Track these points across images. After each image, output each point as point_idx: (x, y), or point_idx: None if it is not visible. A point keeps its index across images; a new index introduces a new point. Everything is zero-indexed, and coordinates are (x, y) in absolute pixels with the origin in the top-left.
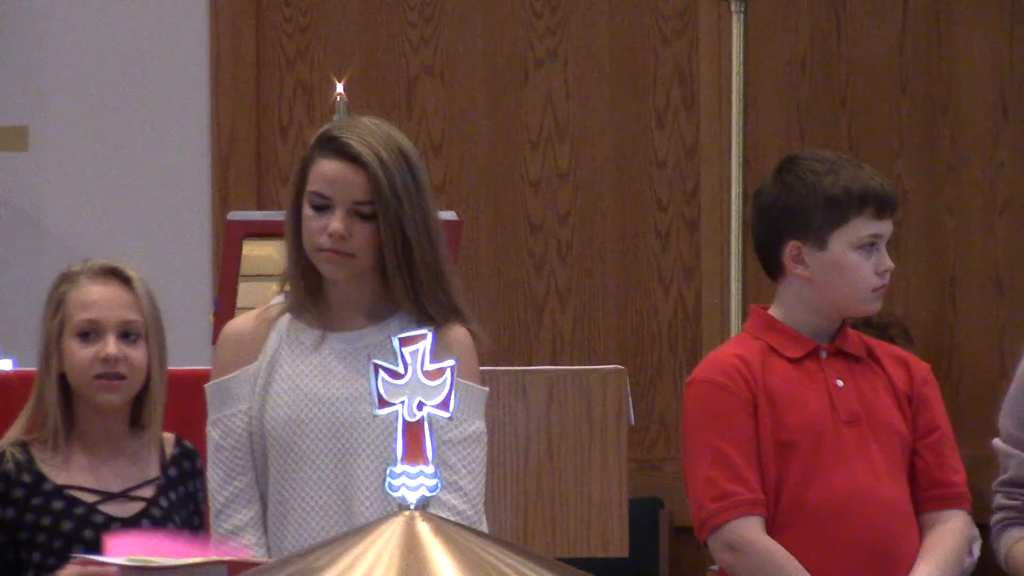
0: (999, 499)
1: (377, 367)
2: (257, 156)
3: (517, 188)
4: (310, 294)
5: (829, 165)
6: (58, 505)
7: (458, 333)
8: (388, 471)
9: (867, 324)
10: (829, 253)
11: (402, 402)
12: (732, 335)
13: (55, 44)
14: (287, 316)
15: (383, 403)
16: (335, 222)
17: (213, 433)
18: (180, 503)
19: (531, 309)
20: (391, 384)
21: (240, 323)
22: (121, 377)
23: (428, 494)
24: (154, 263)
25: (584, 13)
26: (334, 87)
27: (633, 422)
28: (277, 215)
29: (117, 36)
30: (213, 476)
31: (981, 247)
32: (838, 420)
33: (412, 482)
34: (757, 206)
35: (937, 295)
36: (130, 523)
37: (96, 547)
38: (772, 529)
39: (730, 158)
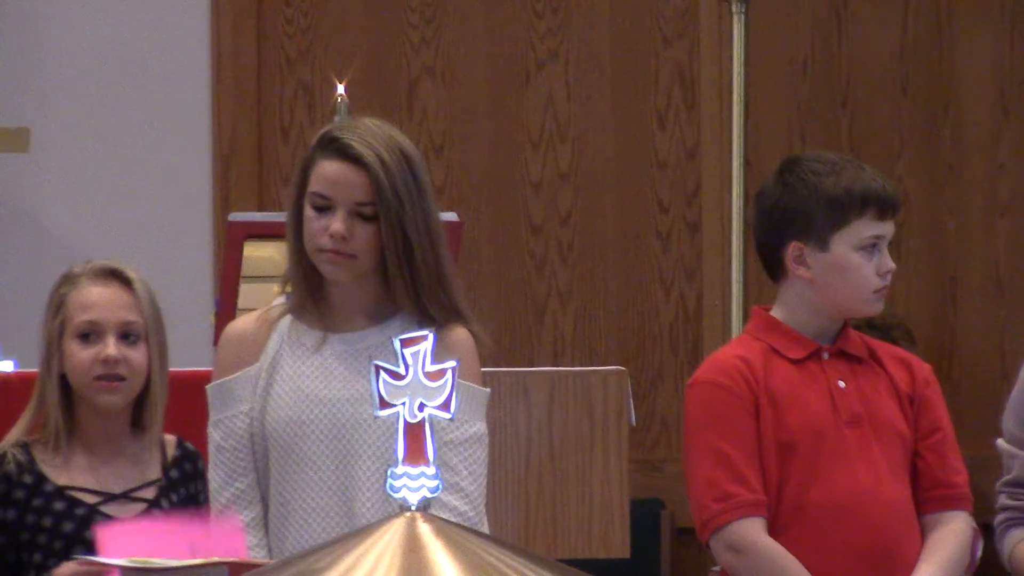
0: (1002, 499)
1: (378, 368)
2: (258, 157)
3: (518, 189)
4: (311, 295)
5: (831, 166)
6: (59, 506)
7: (459, 334)
8: (389, 472)
9: (870, 326)
10: (831, 254)
11: (403, 403)
12: (733, 336)
13: (56, 45)
14: (288, 317)
15: (384, 404)
16: (336, 223)
17: (214, 434)
18: (182, 505)
19: (532, 310)
20: (392, 385)
21: (241, 324)
22: (121, 378)
23: (429, 495)
24: (155, 264)
25: (585, 14)
26: (335, 88)
27: (634, 423)
28: (278, 216)
29: (118, 37)
30: (214, 477)
31: (982, 248)
32: (840, 421)
33: (413, 483)
34: (759, 207)
35: (938, 296)
36: None
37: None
38: (773, 530)
39: (731, 159)
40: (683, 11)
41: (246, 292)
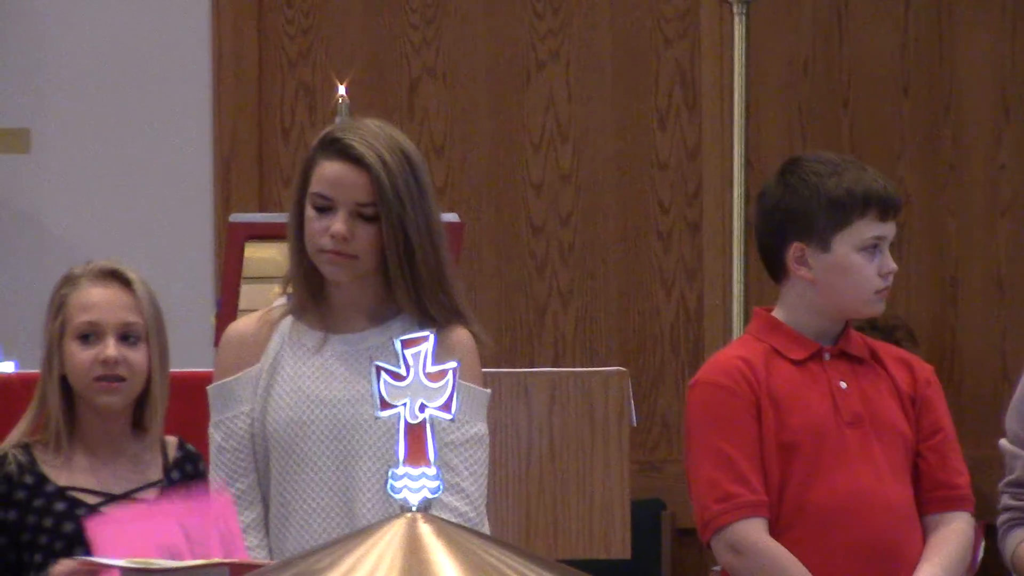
0: (1005, 499)
1: (379, 369)
2: (259, 158)
3: (519, 190)
4: (312, 296)
5: (832, 167)
6: (60, 507)
7: (460, 335)
8: (390, 473)
9: (873, 327)
10: (832, 255)
11: (404, 404)
12: (734, 337)
13: (56, 46)
14: (289, 318)
15: (385, 405)
16: (337, 223)
17: (215, 435)
18: None
19: (533, 311)
20: (393, 386)
21: (242, 325)
22: (121, 379)
23: (430, 496)
24: (156, 265)
25: (586, 15)
26: (336, 89)
27: (635, 424)
28: (279, 217)
29: (119, 38)
30: (215, 478)
31: (983, 248)
32: (841, 422)
33: (414, 484)
34: (760, 208)
35: (939, 296)
36: None
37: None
38: (775, 531)
39: (732, 159)
40: (684, 11)
41: (247, 293)
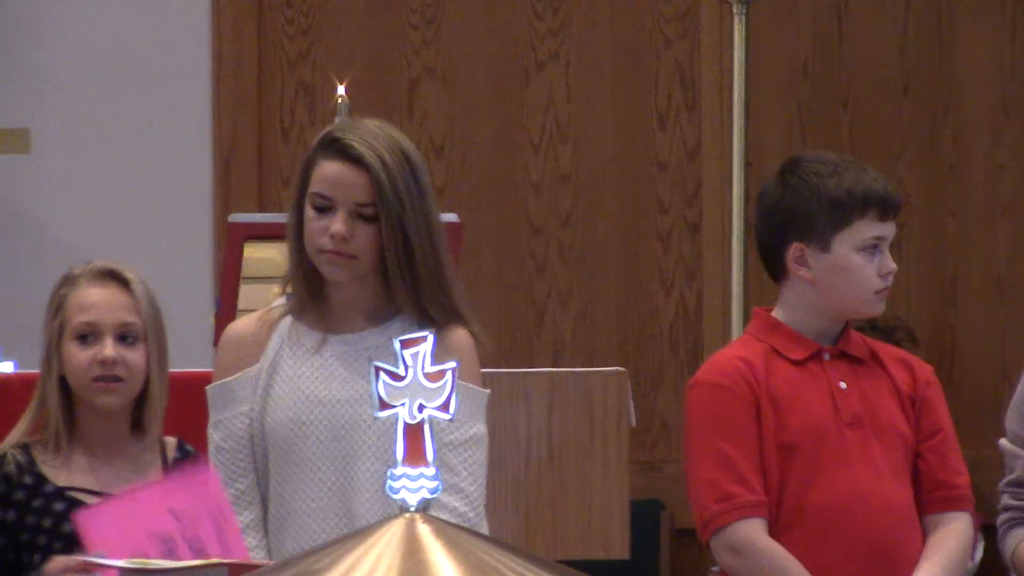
0: (1005, 499)
1: (378, 369)
2: (258, 158)
3: (518, 190)
4: (312, 296)
5: (832, 167)
6: (59, 507)
7: (459, 335)
8: (389, 473)
9: (873, 327)
10: (832, 255)
11: (403, 404)
12: (734, 337)
13: (56, 47)
14: (288, 318)
15: (384, 405)
16: (337, 223)
17: (214, 435)
18: None
19: (532, 311)
20: (392, 386)
21: (241, 325)
22: (119, 379)
23: (429, 496)
24: (155, 265)
25: (586, 15)
26: (336, 89)
27: (634, 424)
28: (278, 217)
29: (118, 38)
30: None
31: (983, 248)
32: (841, 422)
33: (413, 484)
34: (760, 208)
35: (938, 296)
36: None
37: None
38: (774, 531)
39: (731, 159)
40: (684, 11)
41: (246, 293)
